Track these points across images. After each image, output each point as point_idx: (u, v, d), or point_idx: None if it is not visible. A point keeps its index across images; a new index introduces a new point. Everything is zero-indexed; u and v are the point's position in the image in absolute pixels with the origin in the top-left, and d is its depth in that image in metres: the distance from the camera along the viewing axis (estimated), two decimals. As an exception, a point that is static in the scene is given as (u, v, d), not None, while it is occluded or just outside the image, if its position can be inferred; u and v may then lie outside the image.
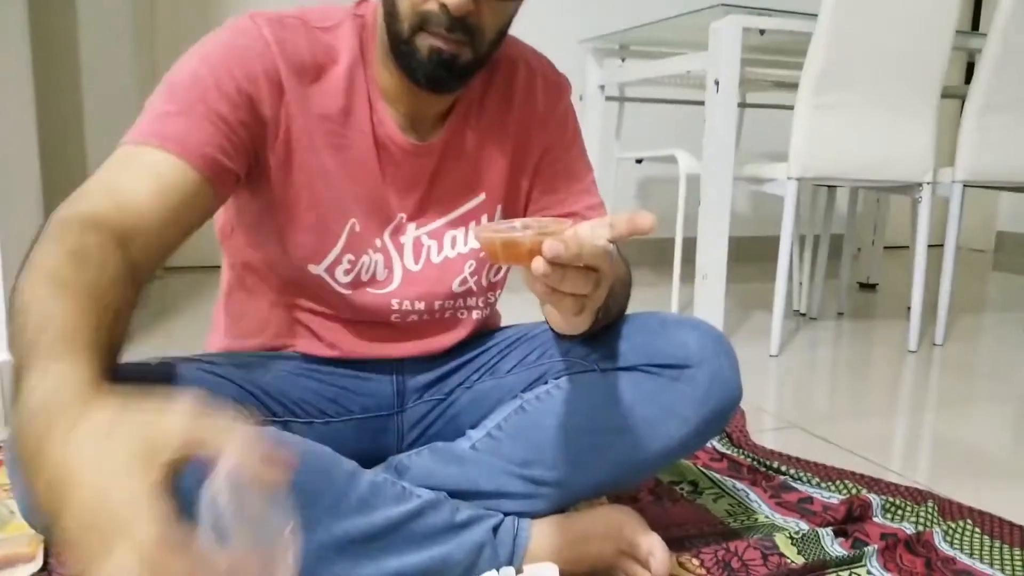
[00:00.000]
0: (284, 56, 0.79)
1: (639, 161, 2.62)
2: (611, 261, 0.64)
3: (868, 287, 3.12)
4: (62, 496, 0.42)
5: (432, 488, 0.84)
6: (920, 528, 1.05)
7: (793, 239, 2.08)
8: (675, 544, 0.99)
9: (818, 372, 1.97)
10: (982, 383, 1.89)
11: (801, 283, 2.62)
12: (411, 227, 0.89)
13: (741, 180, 2.15)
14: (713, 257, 2.05)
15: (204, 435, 0.45)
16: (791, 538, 1.00)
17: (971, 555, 1.00)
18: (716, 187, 2.01)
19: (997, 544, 1.02)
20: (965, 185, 2.17)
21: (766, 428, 1.51)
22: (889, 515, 1.10)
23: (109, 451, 0.43)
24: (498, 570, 0.84)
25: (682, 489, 1.18)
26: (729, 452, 1.32)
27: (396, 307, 0.90)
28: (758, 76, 2.44)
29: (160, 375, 0.69)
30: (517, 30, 0.87)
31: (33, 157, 1.56)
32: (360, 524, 0.75)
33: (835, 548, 0.99)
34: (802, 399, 1.75)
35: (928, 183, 2.07)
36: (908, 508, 1.11)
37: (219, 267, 0.97)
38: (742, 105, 2.82)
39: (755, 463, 1.27)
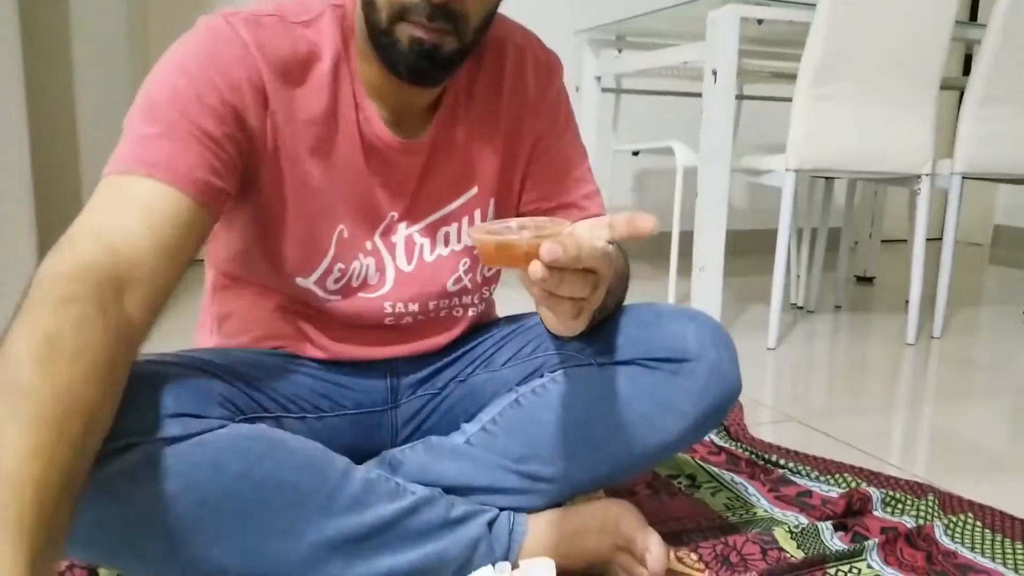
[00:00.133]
0: (266, 59, 0.75)
1: (636, 153, 2.60)
2: (610, 262, 0.62)
3: (865, 280, 3.11)
4: None
5: (427, 484, 0.83)
6: (921, 522, 1.04)
7: (791, 232, 2.06)
8: (673, 538, 0.97)
9: (816, 365, 1.95)
10: (981, 376, 1.87)
11: (798, 276, 2.61)
12: (402, 226, 0.86)
13: (738, 172, 2.14)
14: (710, 249, 2.03)
15: None
16: (790, 532, 0.98)
17: (972, 549, 0.98)
18: (713, 179, 1.99)
19: (999, 538, 1.01)
20: (964, 177, 2.15)
21: (764, 421, 1.49)
22: (889, 509, 1.08)
23: None
24: (494, 565, 0.82)
25: (680, 483, 1.17)
26: (727, 445, 1.30)
27: (390, 310, 0.88)
28: (755, 68, 2.42)
29: (144, 375, 0.67)
30: (511, 22, 0.85)
31: (24, 156, 1.54)
32: (353, 523, 0.74)
33: (835, 542, 0.98)
34: (800, 392, 1.74)
35: (927, 175, 2.06)
36: (908, 502, 1.09)
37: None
38: (739, 97, 2.80)
39: (753, 456, 1.26)
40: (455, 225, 0.89)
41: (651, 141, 2.46)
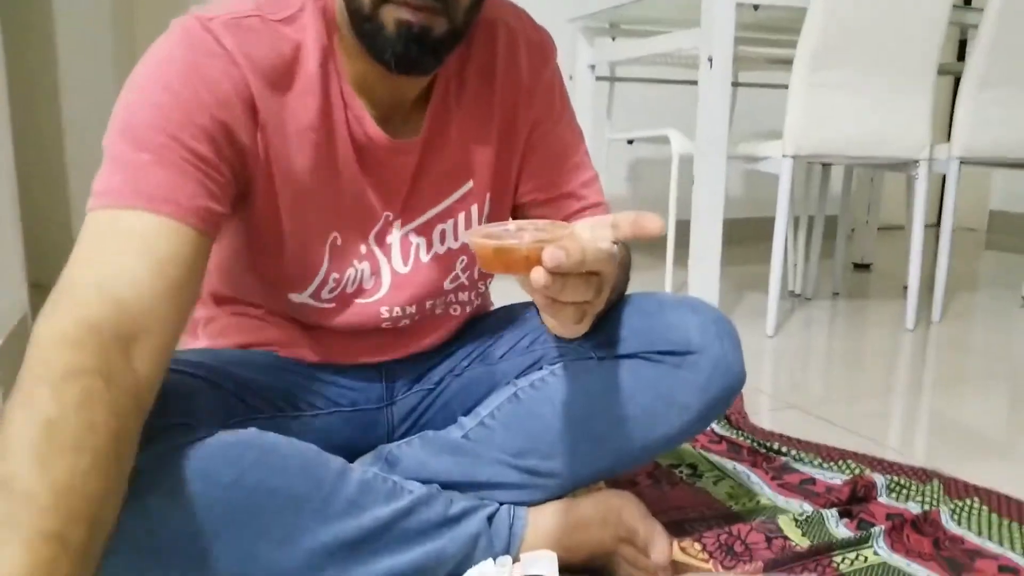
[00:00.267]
0: (253, 68, 0.69)
1: (630, 142, 2.58)
2: (615, 263, 0.60)
3: (862, 267, 3.10)
4: None
5: (424, 480, 0.81)
6: (926, 507, 1.02)
7: (788, 219, 2.05)
8: (675, 528, 0.96)
9: (816, 353, 1.94)
10: (981, 361, 1.86)
11: (795, 264, 2.59)
12: (396, 226, 0.83)
13: (735, 159, 2.12)
14: (707, 237, 2.01)
15: None
16: (795, 520, 0.97)
17: (979, 534, 0.97)
18: (710, 166, 1.97)
19: (1006, 522, 1.00)
20: (962, 162, 2.14)
21: (764, 409, 1.48)
22: (894, 495, 1.07)
23: None
24: (495, 560, 0.81)
25: (681, 472, 1.15)
26: (728, 434, 1.29)
27: (387, 314, 0.85)
28: (752, 55, 2.40)
29: None
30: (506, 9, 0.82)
31: (8, 155, 1.51)
32: (350, 527, 0.72)
33: (840, 529, 0.97)
34: (800, 380, 1.72)
35: (925, 160, 2.04)
36: (913, 487, 1.08)
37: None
38: (734, 84, 2.78)
39: (755, 445, 1.24)
40: (451, 222, 0.86)
41: (646, 129, 2.44)
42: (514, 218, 0.94)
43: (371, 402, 0.91)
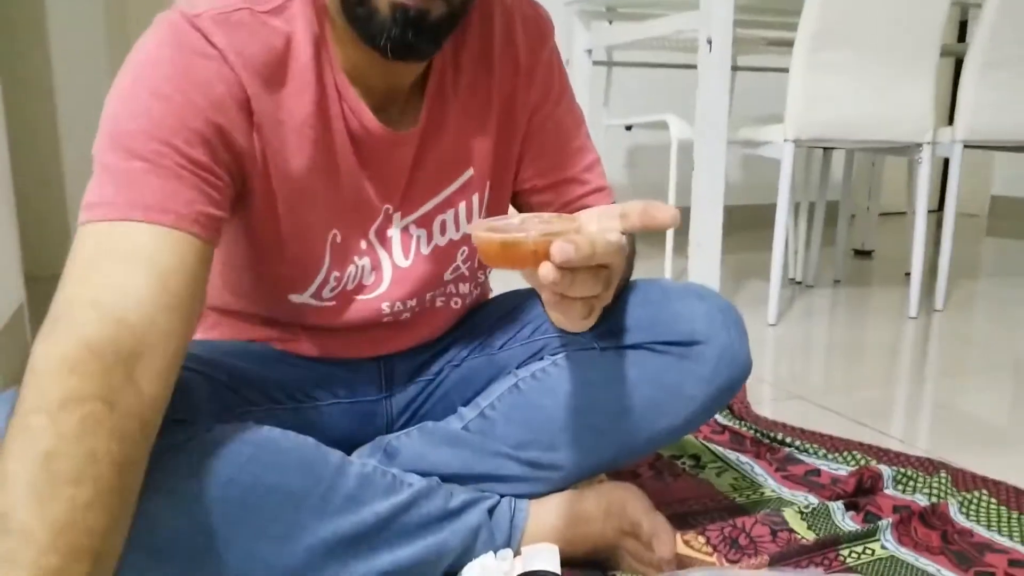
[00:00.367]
0: (245, 67, 0.66)
1: (628, 128, 2.55)
2: (624, 256, 0.57)
3: (863, 254, 3.08)
4: None
5: (423, 472, 0.79)
6: (934, 500, 1.00)
7: (789, 205, 2.02)
8: (678, 521, 0.94)
9: (818, 341, 1.92)
10: (985, 350, 1.84)
11: (796, 251, 2.57)
12: (396, 219, 0.80)
13: (735, 144, 2.09)
14: (707, 224, 1.99)
15: None
16: (801, 513, 0.95)
17: (989, 527, 0.95)
18: (710, 151, 1.94)
19: (1015, 515, 0.98)
20: (965, 145, 2.11)
21: (766, 399, 1.46)
22: (901, 486, 1.05)
23: None
24: (495, 553, 0.79)
25: (683, 463, 1.13)
26: (731, 424, 1.27)
27: (388, 310, 0.82)
28: (751, 37, 2.37)
29: None
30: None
31: (2, 146, 1.49)
32: (349, 523, 0.70)
33: (847, 522, 0.95)
34: (803, 369, 1.70)
35: (928, 143, 2.02)
36: (920, 479, 1.06)
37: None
38: (733, 68, 2.74)
39: (758, 435, 1.22)
40: (451, 212, 0.83)
41: (644, 115, 2.41)
42: (514, 205, 0.92)
43: (369, 393, 0.89)
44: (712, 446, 1.18)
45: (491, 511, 0.80)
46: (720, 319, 0.81)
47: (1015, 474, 1.08)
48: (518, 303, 0.94)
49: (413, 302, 0.84)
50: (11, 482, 0.47)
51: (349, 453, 0.79)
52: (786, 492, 1.05)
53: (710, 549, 0.88)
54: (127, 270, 0.57)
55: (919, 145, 2.04)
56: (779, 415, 1.33)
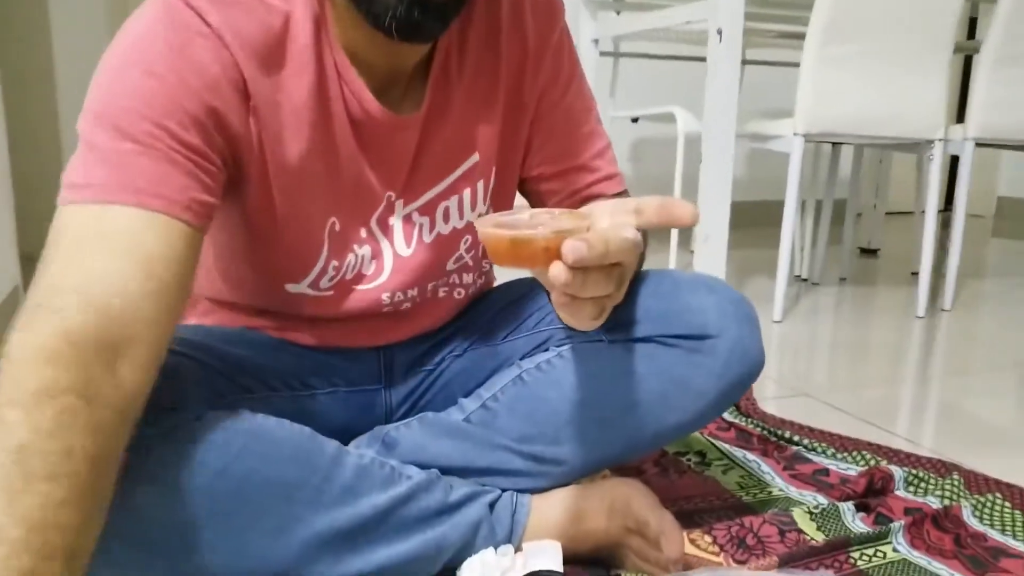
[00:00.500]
0: (242, 47, 0.62)
1: (635, 120, 2.52)
2: (638, 254, 0.54)
3: (869, 252, 3.05)
4: None
5: (423, 464, 0.76)
6: (947, 502, 0.98)
7: (797, 201, 1.99)
8: (684, 519, 0.91)
9: (825, 339, 1.89)
10: (995, 350, 1.82)
11: (802, 248, 2.54)
12: (399, 206, 0.77)
13: (743, 138, 2.06)
14: (714, 218, 1.96)
15: None
16: (810, 513, 0.92)
17: (1003, 531, 0.92)
18: (718, 144, 1.91)
19: (1030, 518, 0.95)
20: (977, 143, 2.08)
21: (772, 396, 1.43)
22: (912, 488, 1.02)
23: None
24: (496, 549, 0.76)
25: (689, 460, 1.10)
26: (737, 421, 1.24)
27: (388, 300, 0.79)
28: (761, 29, 2.34)
29: None
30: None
31: (2, 143, 1.46)
32: (345, 515, 0.67)
33: (857, 523, 0.92)
34: (809, 366, 1.68)
35: (940, 140, 1.99)
36: (932, 481, 1.03)
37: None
38: (742, 62, 2.71)
39: (766, 433, 1.20)
40: (455, 199, 0.80)
41: (651, 107, 2.38)
42: (521, 193, 0.89)
43: (368, 383, 0.86)
44: (718, 443, 1.16)
45: (492, 505, 0.77)
46: (732, 312, 0.79)
47: (1025, 477, 1.06)
48: (523, 292, 0.91)
49: (414, 292, 0.81)
50: None
51: (346, 444, 0.77)
52: (794, 491, 1.02)
53: (717, 549, 0.86)
54: (113, 256, 0.54)
55: (930, 142, 2.00)
56: (785, 413, 1.31)
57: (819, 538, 0.88)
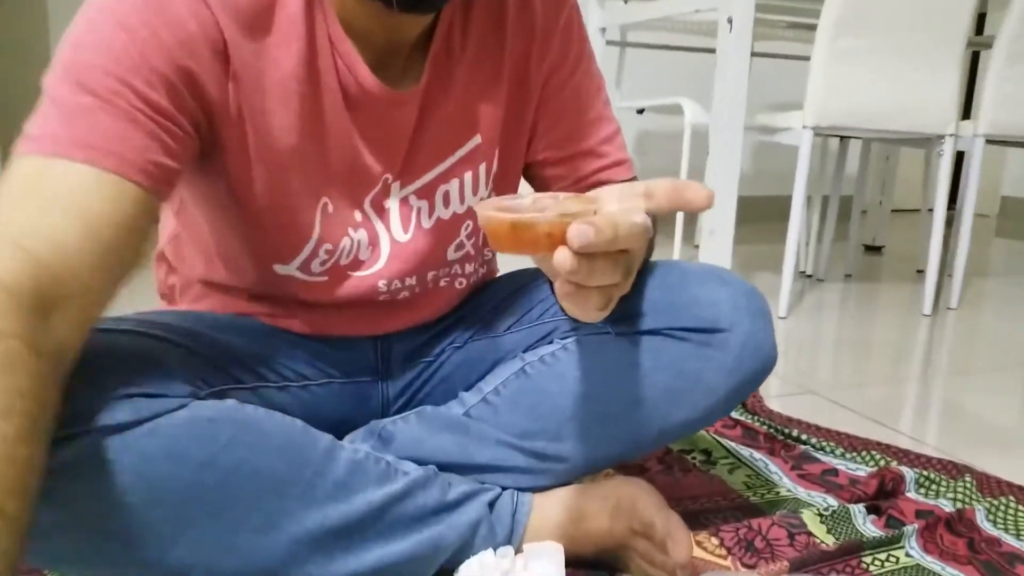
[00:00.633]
0: (224, 7, 0.59)
1: (641, 111, 2.48)
2: (647, 239, 0.51)
3: (874, 249, 3.02)
4: None
5: (420, 460, 0.73)
6: (959, 505, 0.95)
7: (805, 195, 1.96)
8: (690, 519, 0.88)
9: (831, 336, 1.86)
10: (1003, 349, 1.78)
11: (808, 244, 2.51)
12: (395, 188, 0.73)
13: (751, 131, 2.02)
14: (721, 212, 1.92)
15: None
16: (820, 515, 0.89)
17: (1018, 536, 0.90)
18: (726, 136, 1.87)
19: (1046, 524, 0.92)
20: (987, 140, 2.05)
21: (777, 394, 1.40)
22: (923, 490, 0.99)
23: None
24: (495, 550, 0.73)
25: (694, 458, 1.07)
26: (743, 418, 1.21)
27: (384, 288, 0.76)
28: (772, 20, 2.30)
29: (85, 345, 0.55)
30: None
31: None
32: (338, 512, 0.64)
33: (868, 526, 0.89)
34: (816, 363, 1.64)
35: (951, 135, 1.95)
36: (944, 483, 1.00)
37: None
38: (752, 54, 2.68)
39: (772, 431, 1.17)
40: (455, 182, 0.76)
41: (657, 98, 2.34)
42: (526, 178, 0.86)
43: (364, 374, 0.83)
44: (724, 441, 1.13)
45: (492, 504, 0.74)
46: (745, 305, 0.75)
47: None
48: (526, 282, 0.88)
49: (412, 280, 0.78)
50: None
51: (341, 438, 0.74)
52: (802, 492, 0.99)
53: (724, 552, 0.83)
54: (57, 212, 0.52)
55: (940, 137, 1.97)
56: (792, 410, 1.27)
57: (829, 541, 0.85)
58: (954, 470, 1.05)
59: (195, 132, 0.61)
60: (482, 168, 0.77)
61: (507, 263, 0.94)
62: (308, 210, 0.70)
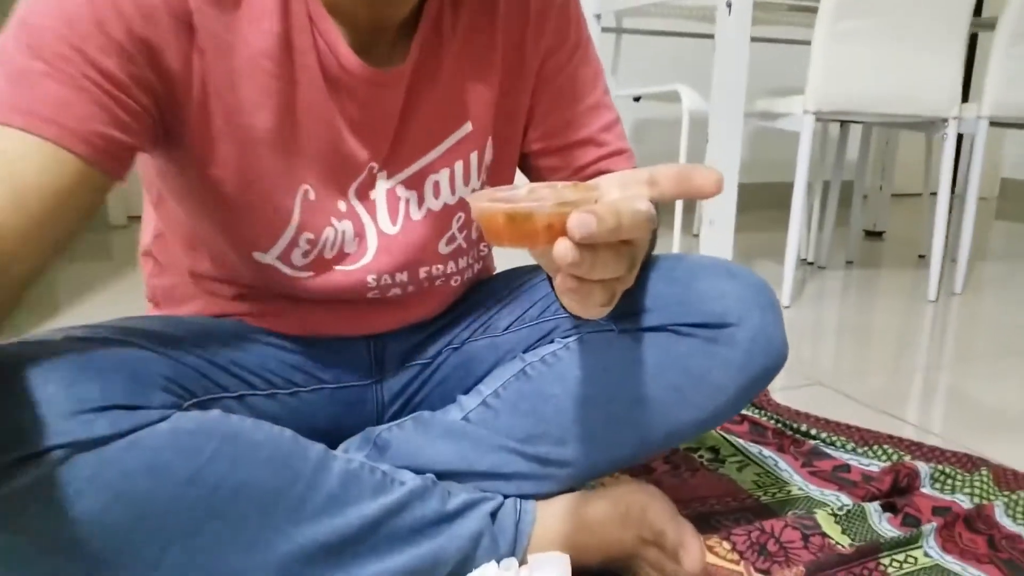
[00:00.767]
0: None
1: (637, 99, 2.44)
2: (651, 229, 0.47)
3: (875, 235, 2.98)
4: None
5: (418, 469, 0.70)
6: (977, 500, 0.92)
7: (807, 181, 1.92)
8: (699, 522, 0.84)
9: (836, 325, 1.83)
10: (1012, 334, 1.75)
11: (809, 230, 2.48)
12: (382, 177, 0.70)
13: (750, 117, 1.99)
14: (721, 200, 1.89)
15: None
16: (834, 515, 0.86)
17: (1040, 532, 0.86)
18: (726, 122, 1.84)
19: (1068, 519, 0.89)
20: (991, 123, 2.01)
21: (783, 386, 1.37)
22: (939, 485, 0.96)
23: None
24: (498, 562, 0.70)
25: (701, 457, 1.04)
26: (750, 413, 1.17)
27: (373, 283, 0.72)
28: (769, 3, 2.25)
29: (53, 357, 0.52)
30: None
31: None
32: (332, 527, 0.61)
33: (884, 526, 0.86)
34: (822, 353, 1.61)
35: (954, 118, 1.92)
36: (960, 477, 0.97)
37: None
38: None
39: (781, 426, 1.13)
40: (445, 172, 0.72)
41: (654, 86, 2.30)
42: (521, 169, 0.82)
43: (357, 378, 0.79)
44: (731, 438, 1.09)
45: (494, 515, 0.71)
46: (754, 299, 0.72)
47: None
48: (525, 279, 0.84)
49: (403, 276, 0.74)
50: None
51: (334, 447, 0.70)
52: (815, 491, 0.96)
53: (736, 556, 0.80)
54: None
55: (944, 120, 1.93)
56: (796, 401, 1.24)
57: (844, 542, 0.82)
58: (969, 464, 1.02)
59: (154, 105, 0.57)
60: (474, 157, 0.74)
61: (504, 259, 0.90)
62: (285, 195, 0.66)
